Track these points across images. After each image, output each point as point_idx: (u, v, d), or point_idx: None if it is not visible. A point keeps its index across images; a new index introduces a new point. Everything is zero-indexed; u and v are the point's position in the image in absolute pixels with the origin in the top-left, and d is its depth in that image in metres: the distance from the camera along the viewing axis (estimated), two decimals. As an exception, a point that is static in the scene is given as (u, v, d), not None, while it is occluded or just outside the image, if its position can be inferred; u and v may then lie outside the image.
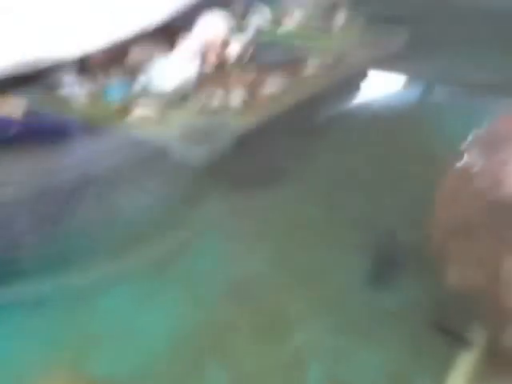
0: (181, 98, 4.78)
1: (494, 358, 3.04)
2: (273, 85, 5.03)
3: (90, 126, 4.66)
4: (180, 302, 3.67)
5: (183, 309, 3.67)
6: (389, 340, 3.50)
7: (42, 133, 4.52)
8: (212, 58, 5.24)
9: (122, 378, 3.19)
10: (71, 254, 3.80)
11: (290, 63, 5.29)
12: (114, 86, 4.77)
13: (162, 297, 3.74)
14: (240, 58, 5.41)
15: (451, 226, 3.45)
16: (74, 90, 4.68)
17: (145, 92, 4.77)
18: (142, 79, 4.82)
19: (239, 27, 5.55)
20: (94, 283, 3.71)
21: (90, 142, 4.62)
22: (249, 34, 5.49)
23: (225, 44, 5.30)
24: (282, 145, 4.68)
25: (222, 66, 5.38)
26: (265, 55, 5.36)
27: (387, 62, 5.34)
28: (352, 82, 5.39)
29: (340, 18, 5.81)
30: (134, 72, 5.01)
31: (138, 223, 4.19)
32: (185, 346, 3.45)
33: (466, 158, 3.73)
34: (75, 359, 3.28)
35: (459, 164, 3.73)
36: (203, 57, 5.16)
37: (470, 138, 3.82)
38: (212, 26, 5.26)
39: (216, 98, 4.88)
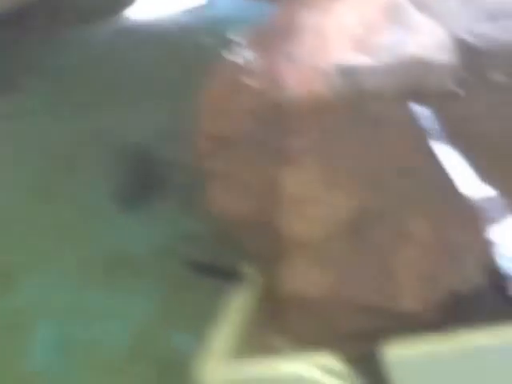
0: None
1: (269, 300, 2.35)
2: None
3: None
4: None
5: None
6: (139, 287, 2.81)
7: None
8: None
9: None
10: None
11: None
12: None
13: None
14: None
15: (217, 138, 2.72)
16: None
17: None
18: None
19: None
20: None
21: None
22: None
23: None
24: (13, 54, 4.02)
25: None
26: None
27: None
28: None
29: None
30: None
31: None
32: None
33: (236, 58, 3.00)
34: None
35: (229, 65, 2.99)
36: None
37: (240, 36, 3.11)
38: None
39: None
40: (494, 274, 2.28)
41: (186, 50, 4.26)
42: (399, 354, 2.14)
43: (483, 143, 2.53)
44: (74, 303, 2.85)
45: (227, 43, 3.12)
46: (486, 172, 2.46)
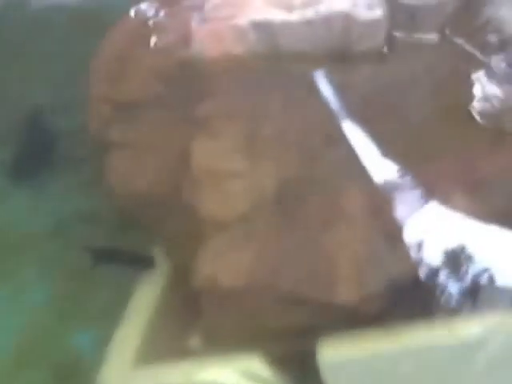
0: None
1: (182, 290, 2.00)
2: None
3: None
4: None
5: None
6: (27, 274, 2.41)
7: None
8: None
9: None
10: None
11: None
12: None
13: None
14: None
15: (117, 103, 2.35)
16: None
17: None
18: None
19: None
20: None
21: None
22: None
23: None
24: None
25: None
26: None
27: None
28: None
29: None
30: None
31: None
32: None
33: (137, 13, 2.63)
34: None
35: (128, 21, 2.62)
36: None
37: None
38: None
39: None
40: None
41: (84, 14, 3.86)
42: (335, 353, 1.82)
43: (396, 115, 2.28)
44: None
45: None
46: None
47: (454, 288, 1.93)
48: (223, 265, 1.89)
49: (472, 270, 1.93)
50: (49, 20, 3.80)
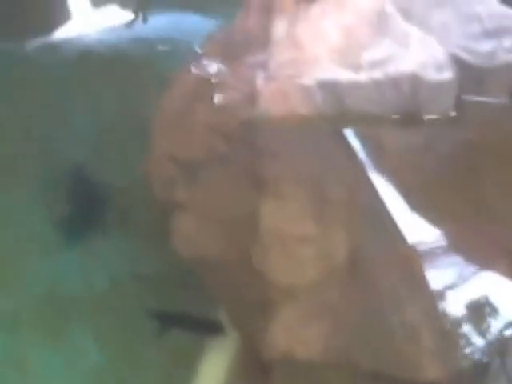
0: None
1: (251, 362, 1.90)
2: None
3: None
4: None
5: None
6: (85, 339, 2.31)
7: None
8: None
9: None
10: None
11: None
12: None
13: None
14: None
15: (180, 161, 2.28)
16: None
17: None
18: None
19: None
20: None
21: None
22: None
23: None
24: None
25: None
26: None
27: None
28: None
29: None
30: None
31: None
32: None
33: (197, 69, 2.58)
34: None
35: (188, 78, 2.57)
36: None
37: (201, 44, 2.71)
38: None
39: None
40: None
41: (119, 66, 3.86)
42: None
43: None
44: (4, 358, 2.31)
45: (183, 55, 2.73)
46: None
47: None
48: (297, 338, 1.80)
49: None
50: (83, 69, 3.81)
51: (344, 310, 1.84)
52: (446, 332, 1.79)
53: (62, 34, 4.29)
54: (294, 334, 1.80)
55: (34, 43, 4.08)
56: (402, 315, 1.80)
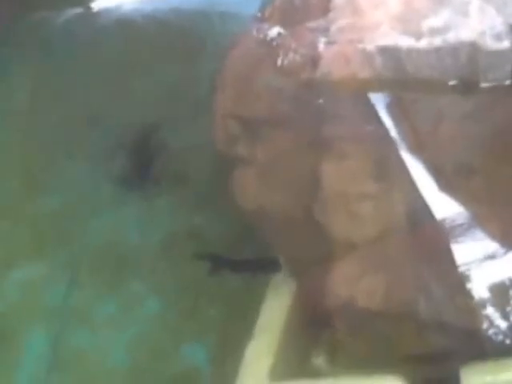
0: None
1: (309, 309, 1.98)
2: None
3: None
4: None
5: None
6: (142, 288, 2.42)
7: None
8: None
9: None
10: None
11: None
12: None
13: None
14: None
15: (245, 120, 2.35)
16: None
17: None
18: None
19: None
20: None
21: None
22: None
23: None
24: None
25: None
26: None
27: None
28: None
29: None
30: None
31: None
32: None
33: (259, 33, 2.64)
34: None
35: (251, 40, 2.63)
36: None
37: (260, 9, 2.77)
38: None
39: None
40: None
41: (161, 33, 3.92)
42: (480, 380, 1.78)
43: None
44: (66, 307, 2.44)
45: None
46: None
47: None
48: (358, 288, 1.88)
49: None
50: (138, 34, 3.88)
51: (402, 264, 1.92)
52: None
53: (98, 3, 4.32)
54: (355, 284, 1.89)
55: (71, 13, 4.15)
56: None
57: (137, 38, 3.90)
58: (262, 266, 2.24)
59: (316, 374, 1.98)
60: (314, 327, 2.01)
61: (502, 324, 1.85)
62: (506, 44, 2.46)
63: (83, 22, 4.13)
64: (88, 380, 2.29)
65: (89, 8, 4.24)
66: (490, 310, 1.85)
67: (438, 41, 2.42)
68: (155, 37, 3.89)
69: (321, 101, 2.29)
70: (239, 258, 2.34)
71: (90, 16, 4.21)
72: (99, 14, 4.20)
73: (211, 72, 2.77)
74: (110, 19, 4.18)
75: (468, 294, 1.84)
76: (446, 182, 2.11)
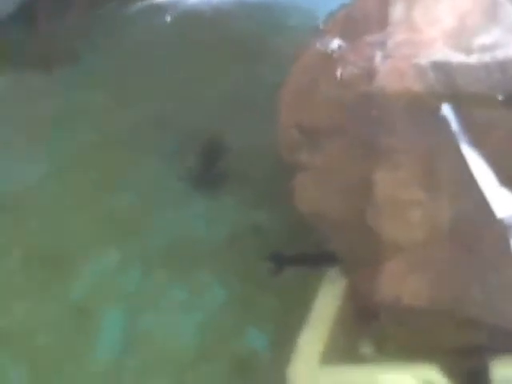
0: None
1: (359, 303, 2.21)
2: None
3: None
4: None
5: None
6: (210, 277, 2.67)
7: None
8: None
9: None
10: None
11: None
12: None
13: None
14: None
15: (306, 129, 2.56)
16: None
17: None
18: None
19: None
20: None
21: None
22: None
23: None
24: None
25: None
26: None
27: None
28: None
29: None
30: None
31: None
32: None
33: (321, 45, 2.84)
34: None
35: (313, 53, 2.83)
36: None
37: (323, 22, 2.96)
38: None
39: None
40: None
41: (227, 28, 4.08)
42: (509, 372, 1.99)
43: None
44: (139, 293, 2.71)
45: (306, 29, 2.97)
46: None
47: None
48: (404, 286, 2.10)
49: None
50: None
51: (447, 265, 2.13)
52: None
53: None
54: (401, 283, 2.12)
55: (138, 5, 4.36)
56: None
57: (203, 32, 4.07)
58: (318, 261, 2.46)
59: (362, 361, 2.22)
60: (363, 319, 2.24)
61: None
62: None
63: (152, 14, 4.30)
64: (158, 360, 2.55)
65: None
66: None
67: (487, 57, 2.59)
68: (221, 31, 4.05)
69: (376, 112, 2.49)
70: (298, 253, 2.57)
71: (157, 7, 4.37)
72: (167, 6, 4.38)
73: (275, 71, 2.97)
74: (178, 11, 4.32)
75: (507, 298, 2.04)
76: (494, 192, 2.30)
